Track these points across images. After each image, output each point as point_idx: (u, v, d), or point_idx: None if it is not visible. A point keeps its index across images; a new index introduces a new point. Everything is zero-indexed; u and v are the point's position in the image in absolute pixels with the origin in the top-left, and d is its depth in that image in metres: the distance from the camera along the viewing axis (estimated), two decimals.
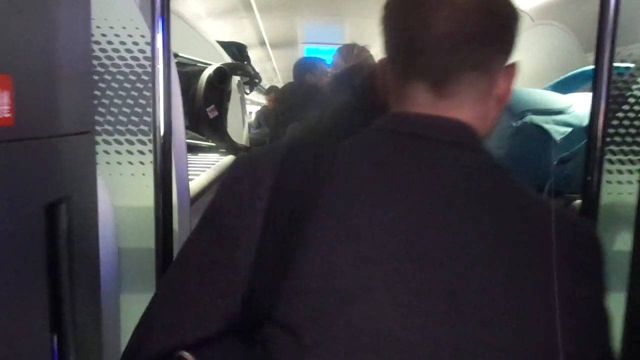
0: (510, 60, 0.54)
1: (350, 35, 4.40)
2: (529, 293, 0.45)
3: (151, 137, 0.92)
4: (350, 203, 0.46)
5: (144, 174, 0.97)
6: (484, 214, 0.47)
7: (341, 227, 0.45)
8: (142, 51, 0.94)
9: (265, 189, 0.48)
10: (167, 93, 0.88)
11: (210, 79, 1.95)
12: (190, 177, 1.46)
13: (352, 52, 1.85)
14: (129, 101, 0.95)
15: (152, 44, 0.85)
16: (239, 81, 2.53)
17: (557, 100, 1.28)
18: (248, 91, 2.78)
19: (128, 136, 0.96)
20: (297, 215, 0.46)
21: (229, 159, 2.06)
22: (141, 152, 0.97)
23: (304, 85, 2.05)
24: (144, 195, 0.95)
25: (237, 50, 2.68)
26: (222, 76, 1.99)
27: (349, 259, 0.44)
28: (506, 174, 0.51)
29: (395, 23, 0.53)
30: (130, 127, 0.96)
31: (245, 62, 2.63)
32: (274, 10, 3.90)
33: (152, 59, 0.86)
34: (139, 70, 0.94)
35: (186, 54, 2.06)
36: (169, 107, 0.88)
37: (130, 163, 0.97)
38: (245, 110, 2.75)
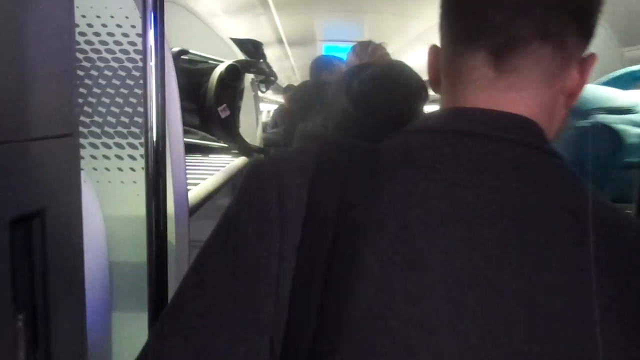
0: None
1: (369, 32, 4.30)
2: (619, 330, 0.36)
3: (143, 140, 0.83)
4: (405, 221, 0.37)
5: (135, 182, 0.87)
6: (562, 232, 0.38)
7: (396, 251, 0.37)
8: (132, 43, 0.84)
9: (295, 203, 0.39)
10: (161, 91, 0.78)
11: (222, 76, 1.87)
12: (198, 180, 1.37)
13: (367, 49, 1.75)
14: (118, 100, 0.85)
15: (144, 33, 0.75)
16: (252, 79, 2.45)
17: (621, 97, 1.13)
18: (264, 89, 2.69)
19: (117, 139, 0.86)
20: (343, 236, 0.37)
21: (241, 160, 1.97)
22: (132, 157, 0.87)
23: (319, 84, 1.96)
24: (136, 204, 0.85)
25: (252, 47, 2.60)
26: (234, 74, 1.90)
27: (407, 292, 0.36)
28: (582, 183, 0.42)
29: None
30: (119, 129, 0.86)
31: (262, 60, 2.55)
32: (292, 7, 3.82)
33: (144, 50, 0.76)
34: (129, 64, 0.84)
35: (198, 51, 1.98)
36: (162, 107, 0.78)
37: (120, 169, 0.87)
38: (259, 110, 2.67)
